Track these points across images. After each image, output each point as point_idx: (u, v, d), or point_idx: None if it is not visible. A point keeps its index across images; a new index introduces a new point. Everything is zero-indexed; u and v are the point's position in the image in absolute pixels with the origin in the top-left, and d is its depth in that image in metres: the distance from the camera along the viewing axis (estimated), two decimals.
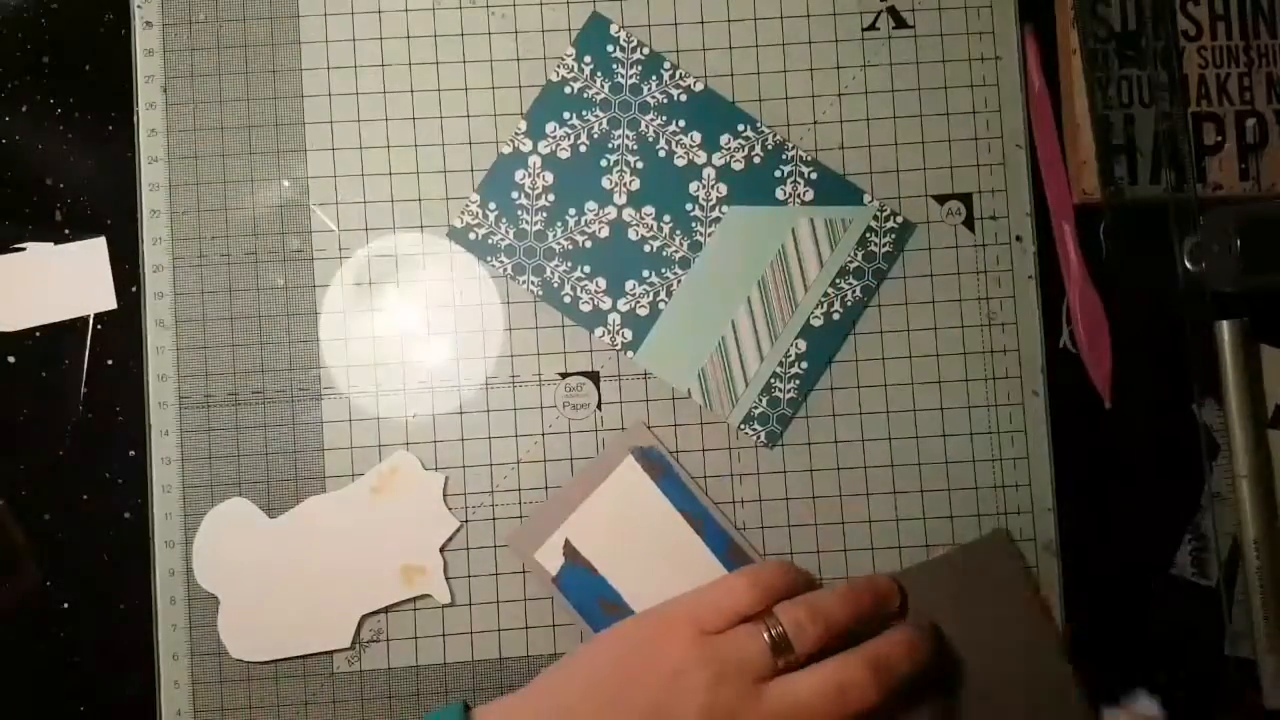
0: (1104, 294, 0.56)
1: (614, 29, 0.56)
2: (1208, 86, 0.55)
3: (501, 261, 0.55)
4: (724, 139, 0.55)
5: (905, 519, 0.55)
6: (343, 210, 0.56)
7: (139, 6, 0.56)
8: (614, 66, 0.55)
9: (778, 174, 0.55)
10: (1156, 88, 0.55)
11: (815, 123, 0.56)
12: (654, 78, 0.55)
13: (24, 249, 0.55)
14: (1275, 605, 0.54)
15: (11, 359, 0.55)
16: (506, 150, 0.55)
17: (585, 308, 0.55)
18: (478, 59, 0.56)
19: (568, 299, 0.55)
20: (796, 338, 0.55)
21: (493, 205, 0.55)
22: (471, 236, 0.55)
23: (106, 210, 0.56)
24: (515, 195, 0.55)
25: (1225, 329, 0.55)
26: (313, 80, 0.56)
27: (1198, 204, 0.55)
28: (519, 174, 0.55)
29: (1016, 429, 0.56)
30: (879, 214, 0.55)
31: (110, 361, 0.55)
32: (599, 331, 0.55)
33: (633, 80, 0.55)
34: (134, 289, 0.55)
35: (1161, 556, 0.56)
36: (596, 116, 0.55)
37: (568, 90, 0.55)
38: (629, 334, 0.55)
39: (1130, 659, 0.55)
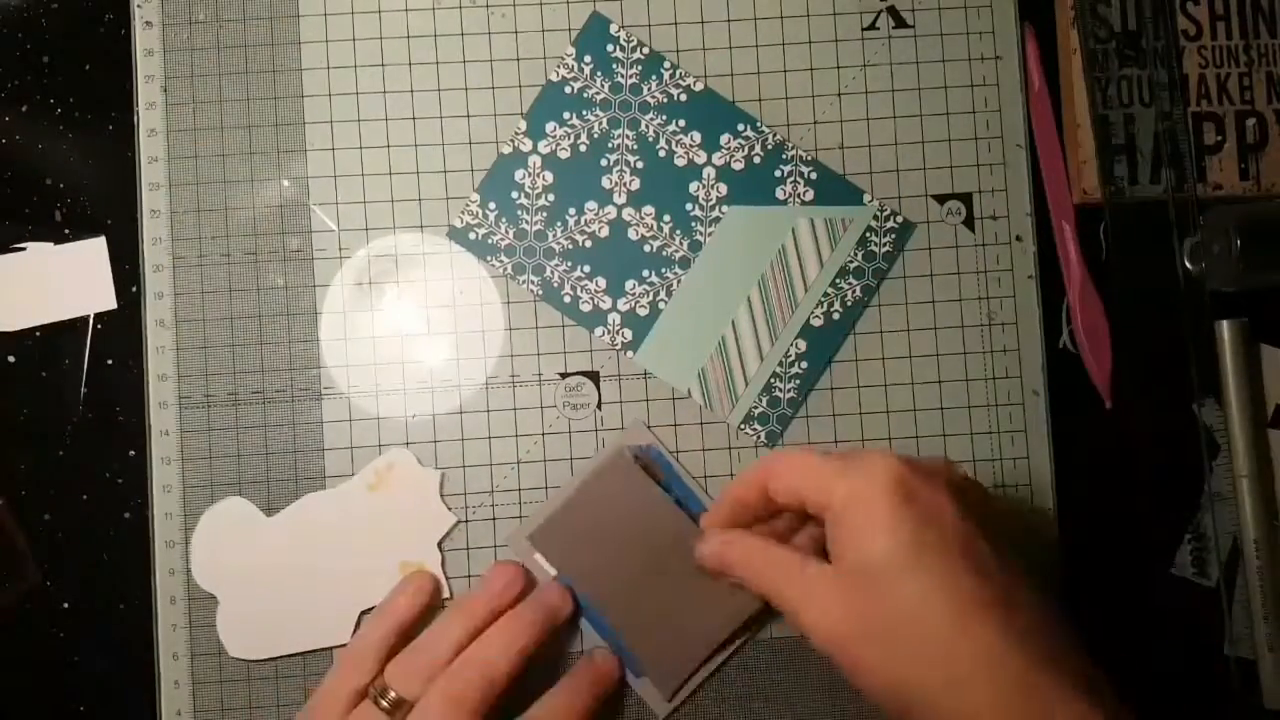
0: (1104, 294, 0.56)
1: (614, 29, 0.56)
2: (1208, 86, 0.56)
3: (501, 261, 0.55)
4: (724, 139, 0.55)
5: None
6: (343, 210, 0.56)
7: (139, 6, 0.56)
8: (614, 66, 0.55)
9: (778, 174, 0.55)
10: (1156, 88, 0.56)
11: (815, 122, 0.56)
12: (654, 77, 0.55)
13: (24, 249, 0.55)
14: (1275, 605, 0.54)
15: (11, 359, 0.55)
16: (506, 150, 0.55)
17: (585, 307, 0.55)
18: (478, 59, 0.56)
19: (568, 299, 0.55)
20: (796, 338, 0.55)
21: (493, 205, 0.55)
22: (471, 236, 0.55)
23: (106, 210, 0.56)
24: (515, 195, 0.55)
25: (1225, 329, 0.55)
26: (313, 80, 0.56)
27: (1198, 204, 0.55)
28: (519, 174, 0.55)
29: (1016, 429, 0.56)
30: (879, 214, 0.55)
31: (110, 361, 0.55)
32: (599, 331, 0.55)
33: (633, 80, 0.55)
34: (134, 289, 0.55)
35: (1161, 556, 0.56)
36: (596, 116, 0.55)
37: (568, 90, 0.55)
38: (629, 334, 0.55)
39: (1130, 659, 0.55)
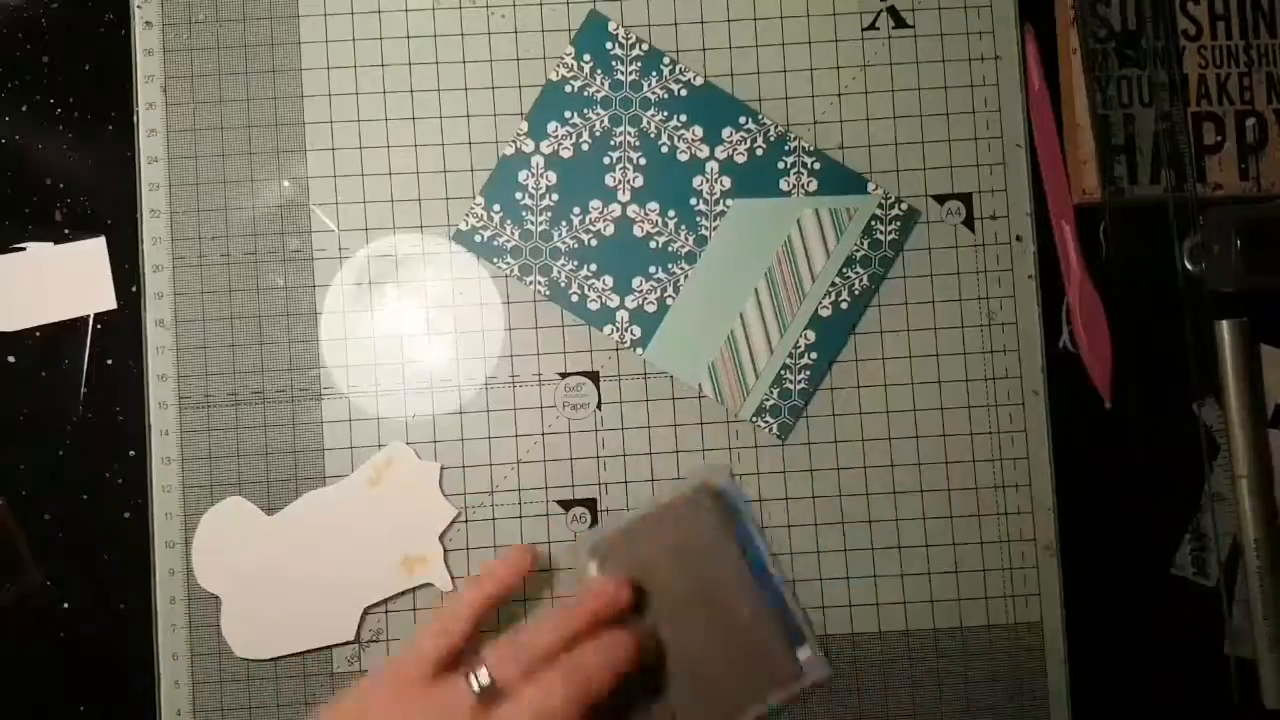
0: (1104, 294, 0.56)
1: (612, 26, 0.56)
2: (1208, 86, 0.56)
3: (508, 263, 0.55)
4: (726, 132, 0.55)
5: (905, 519, 0.55)
6: (343, 210, 0.56)
7: (139, 6, 0.56)
8: (613, 64, 0.56)
9: (781, 165, 0.55)
10: (1156, 88, 0.56)
11: (815, 122, 0.56)
12: (654, 73, 0.55)
13: (24, 249, 0.55)
14: (1275, 605, 0.54)
15: (11, 359, 0.55)
16: (509, 151, 0.55)
17: (593, 306, 0.55)
18: (478, 59, 0.56)
19: (575, 298, 0.55)
20: (805, 328, 0.55)
21: (497, 207, 0.55)
22: (477, 239, 0.55)
23: (106, 210, 0.55)
24: (519, 196, 0.55)
25: (1225, 329, 0.55)
26: (313, 80, 0.56)
27: (1198, 204, 0.55)
28: (522, 174, 0.55)
29: (1016, 429, 0.56)
30: (884, 201, 0.55)
31: (110, 361, 0.55)
32: (608, 329, 0.55)
33: (633, 77, 0.55)
34: (134, 289, 0.55)
35: (1161, 556, 0.56)
36: (597, 114, 0.55)
37: (568, 89, 0.55)
38: (638, 331, 0.55)
39: (1130, 659, 0.55)
